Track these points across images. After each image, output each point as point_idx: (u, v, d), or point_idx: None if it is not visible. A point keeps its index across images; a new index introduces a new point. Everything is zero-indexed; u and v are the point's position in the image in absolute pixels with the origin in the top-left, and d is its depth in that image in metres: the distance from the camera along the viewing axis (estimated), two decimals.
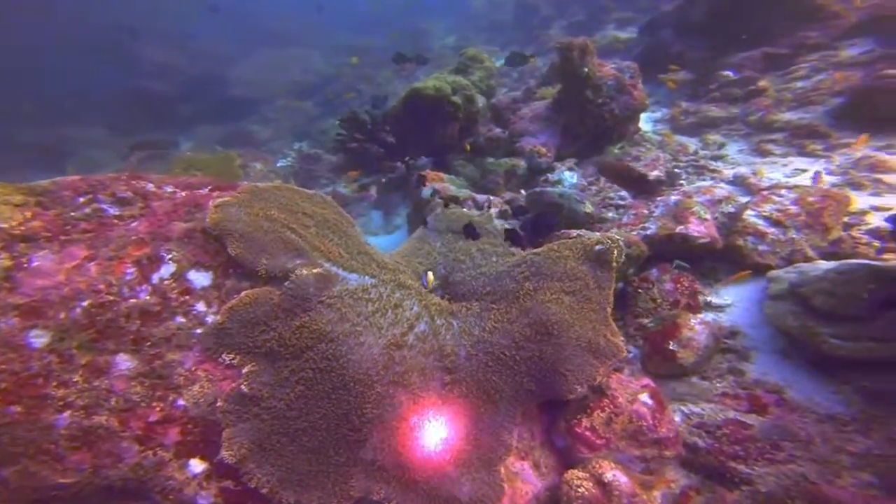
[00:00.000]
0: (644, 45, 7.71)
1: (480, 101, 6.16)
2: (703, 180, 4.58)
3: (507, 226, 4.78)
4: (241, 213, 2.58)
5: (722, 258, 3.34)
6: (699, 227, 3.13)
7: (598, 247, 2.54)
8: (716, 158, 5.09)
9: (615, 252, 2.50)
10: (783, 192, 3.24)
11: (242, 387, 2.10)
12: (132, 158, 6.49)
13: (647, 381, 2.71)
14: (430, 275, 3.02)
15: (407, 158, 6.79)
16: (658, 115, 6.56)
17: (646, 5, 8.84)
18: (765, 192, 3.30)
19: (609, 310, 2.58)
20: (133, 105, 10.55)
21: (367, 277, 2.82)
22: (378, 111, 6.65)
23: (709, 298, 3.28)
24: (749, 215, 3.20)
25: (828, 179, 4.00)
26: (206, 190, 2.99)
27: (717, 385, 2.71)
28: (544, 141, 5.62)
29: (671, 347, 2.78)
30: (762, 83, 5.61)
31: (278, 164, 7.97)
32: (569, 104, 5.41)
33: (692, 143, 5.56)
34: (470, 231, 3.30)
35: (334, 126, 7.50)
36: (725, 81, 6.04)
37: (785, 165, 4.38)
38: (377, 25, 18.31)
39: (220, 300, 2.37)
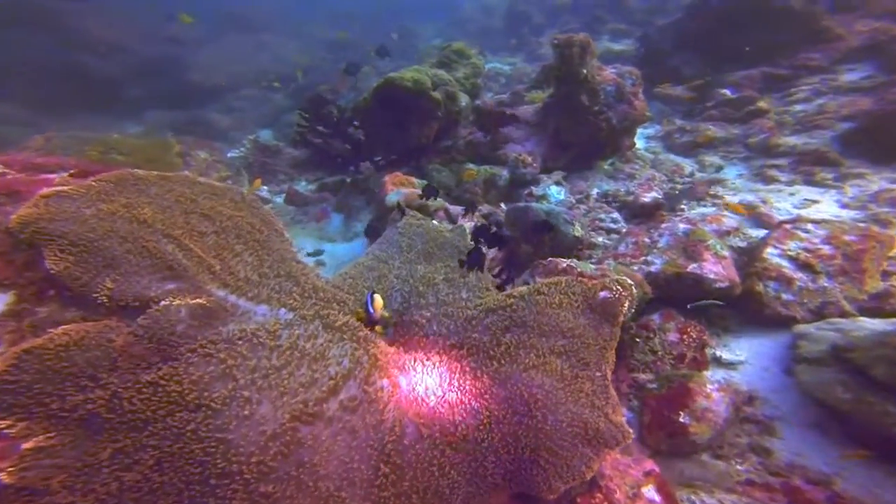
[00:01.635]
0: (640, 57, 7.30)
1: (464, 99, 5.48)
2: (705, 206, 4.04)
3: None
4: (82, 210, 1.74)
5: (733, 303, 2.74)
6: (715, 267, 2.52)
7: (602, 294, 1.85)
8: (715, 183, 4.59)
9: (625, 304, 1.82)
10: (809, 226, 2.69)
11: (4, 475, 1.24)
12: (37, 137, 5.41)
13: (650, 465, 2.02)
14: (379, 299, 2.21)
15: (377, 158, 6.02)
16: (651, 131, 6.08)
17: (640, 18, 8.51)
18: (787, 227, 2.74)
19: (610, 375, 1.89)
20: (68, 83, 9.26)
21: (281, 311, 2.03)
22: (340, 107, 5.87)
23: (717, 352, 2.66)
24: (770, 254, 2.62)
25: (844, 214, 3.52)
26: (62, 175, 2.12)
27: (738, 468, 2.07)
28: (530, 149, 4.98)
29: (682, 420, 2.12)
30: (762, 104, 5.22)
31: (228, 155, 6.99)
32: (561, 110, 4.80)
33: (688, 164, 5.06)
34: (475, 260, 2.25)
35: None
36: (723, 99, 5.63)
37: (792, 195, 3.91)
38: (362, 21, 17.52)
39: (20, 335, 1.52)
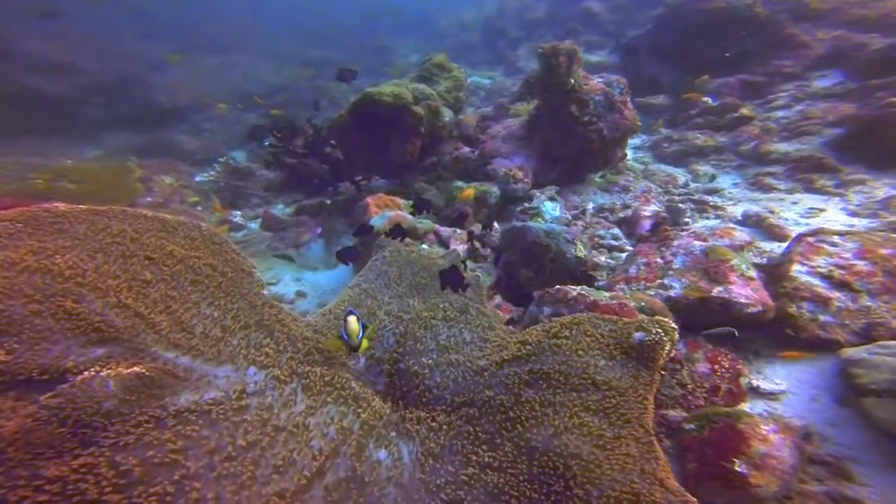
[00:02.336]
0: (618, 68, 7.30)
1: (447, 114, 5.24)
2: (708, 219, 3.86)
3: (475, 272, 3.76)
4: None
5: (759, 327, 2.50)
6: (744, 290, 2.28)
7: (638, 336, 1.56)
8: (710, 192, 4.46)
9: (667, 346, 1.52)
10: (835, 238, 2.51)
11: None
12: None
13: None
14: (353, 321, 1.66)
15: (358, 178, 5.69)
16: (637, 141, 5.98)
17: (613, 30, 8.61)
18: (810, 240, 2.55)
19: (652, 431, 1.58)
20: (17, 106, 8.60)
21: (250, 370, 1.65)
22: (317, 122, 5.55)
23: (753, 381, 2.40)
24: (798, 272, 2.41)
25: (856, 223, 3.38)
26: None
27: None
28: (520, 164, 4.76)
29: (739, 469, 1.82)
30: (745, 110, 5.19)
31: (196, 179, 6.51)
32: (549, 122, 4.61)
33: (680, 174, 4.94)
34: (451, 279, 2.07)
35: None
36: (706, 107, 5.59)
37: (795, 203, 3.79)
38: (336, 39, 17.38)
39: None
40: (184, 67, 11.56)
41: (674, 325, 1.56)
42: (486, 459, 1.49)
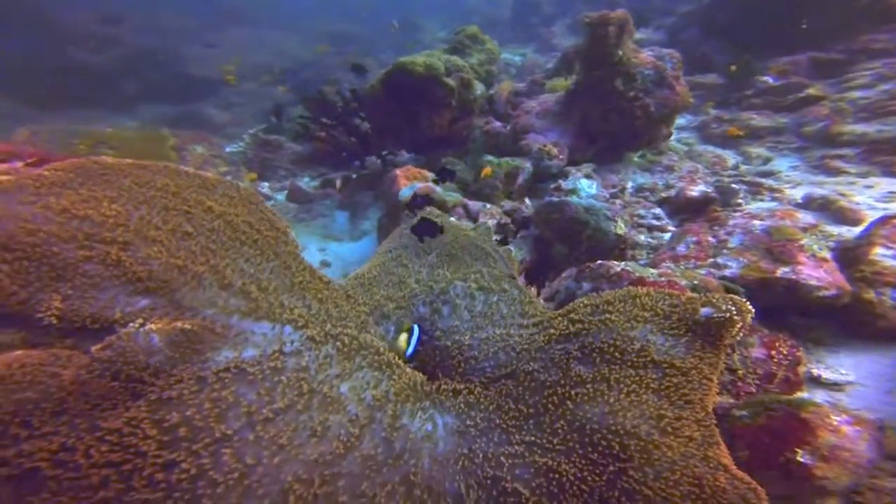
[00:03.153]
0: (664, 45, 6.83)
1: (479, 87, 5.04)
2: (762, 201, 3.58)
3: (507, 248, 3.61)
4: (24, 205, 1.31)
5: (826, 314, 2.29)
6: (816, 272, 2.07)
7: (705, 311, 1.41)
8: (765, 175, 4.13)
9: (737, 325, 1.38)
10: None
11: None
12: (22, 130, 4.99)
13: None
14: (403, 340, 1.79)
15: (384, 152, 5.58)
16: (682, 121, 5.61)
17: (660, 6, 8.04)
18: (895, 222, 2.29)
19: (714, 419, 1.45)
20: (60, 77, 8.85)
21: (287, 329, 1.60)
22: (353, 90, 5.42)
23: (815, 371, 2.21)
24: (880, 255, 2.17)
25: None
26: (16, 163, 1.70)
27: None
28: (554, 140, 4.53)
29: (801, 460, 1.67)
30: (812, 90, 4.74)
31: (227, 150, 6.56)
32: (590, 97, 4.35)
33: (730, 156, 4.60)
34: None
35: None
36: (765, 87, 5.16)
37: (869, 187, 3.45)
38: (365, 14, 17.08)
39: None
40: (215, 40, 11.60)
41: (743, 299, 1.40)
42: (531, 437, 1.40)
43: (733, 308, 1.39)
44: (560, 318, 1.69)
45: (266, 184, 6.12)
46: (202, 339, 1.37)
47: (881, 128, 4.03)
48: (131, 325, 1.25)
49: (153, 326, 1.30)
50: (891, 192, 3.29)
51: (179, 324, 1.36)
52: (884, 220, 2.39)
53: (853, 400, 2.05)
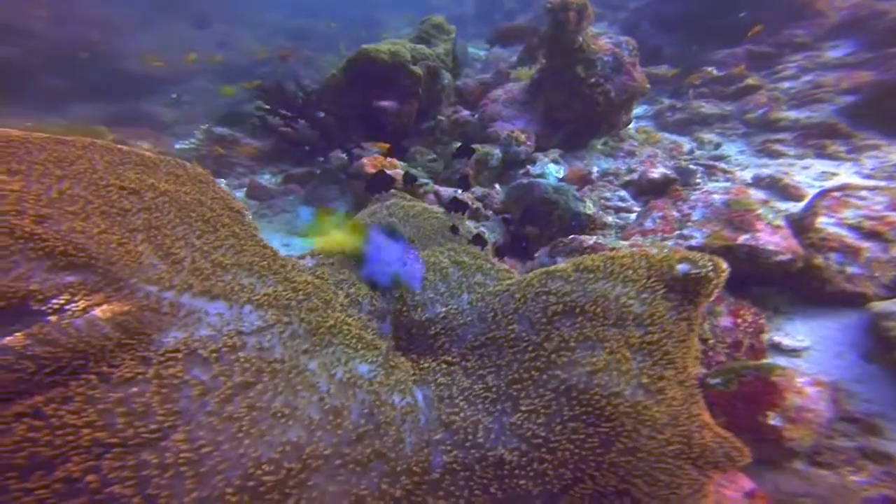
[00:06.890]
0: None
1: (446, 77, 4.99)
2: (717, 181, 3.75)
3: (479, 229, 3.58)
4: None
5: (777, 281, 2.40)
6: (773, 237, 2.16)
7: (682, 267, 1.41)
8: (717, 159, 4.35)
9: (713, 280, 1.39)
10: (864, 193, 2.41)
11: None
12: None
13: (747, 482, 1.60)
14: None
15: (349, 147, 5.40)
16: (639, 111, 5.83)
17: (616, 2, 8.37)
18: (836, 194, 2.44)
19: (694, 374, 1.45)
20: None
21: (246, 308, 1.46)
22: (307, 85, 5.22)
23: (775, 337, 2.31)
24: (824, 223, 2.31)
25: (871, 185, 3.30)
26: None
27: (853, 478, 1.68)
28: (521, 127, 4.56)
29: (772, 423, 1.72)
30: (750, 80, 5.08)
31: (176, 146, 6.11)
32: (553, 84, 4.41)
33: (685, 142, 4.82)
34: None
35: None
36: (709, 77, 5.47)
37: (806, 168, 3.71)
38: (324, 10, 16.64)
39: None
40: (154, 34, 10.83)
41: (726, 266, 1.42)
42: (515, 404, 1.34)
43: (710, 264, 1.40)
44: (540, 276, 1.64)
45: (223, 181, 5.77)
46: (141, 318, 1.20)
47: (810, 114, 4.37)
48: (54, 300, 1.08)
49: (85, 303, 1.13)
50: (824, 172, 3.56)
51: (117, 303, 1.19)
52: (823, 193, 2.55)
53: (810, 365, 2.15)
